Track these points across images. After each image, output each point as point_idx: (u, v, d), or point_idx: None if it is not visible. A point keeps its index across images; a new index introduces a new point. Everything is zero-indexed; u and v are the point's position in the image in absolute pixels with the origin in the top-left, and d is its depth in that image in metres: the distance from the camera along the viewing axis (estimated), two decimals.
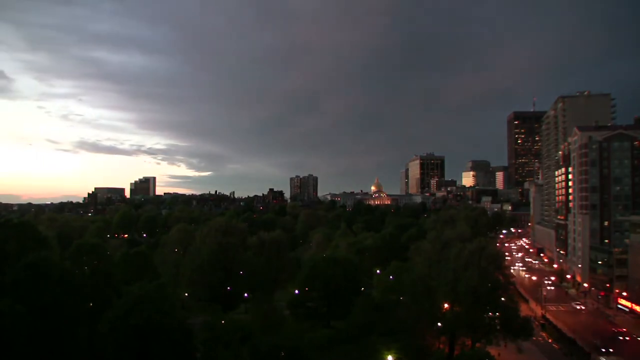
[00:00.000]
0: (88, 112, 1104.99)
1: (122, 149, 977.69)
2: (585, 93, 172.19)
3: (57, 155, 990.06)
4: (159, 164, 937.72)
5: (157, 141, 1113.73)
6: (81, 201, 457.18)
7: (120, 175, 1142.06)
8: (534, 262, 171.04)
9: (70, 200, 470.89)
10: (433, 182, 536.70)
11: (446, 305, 61.38)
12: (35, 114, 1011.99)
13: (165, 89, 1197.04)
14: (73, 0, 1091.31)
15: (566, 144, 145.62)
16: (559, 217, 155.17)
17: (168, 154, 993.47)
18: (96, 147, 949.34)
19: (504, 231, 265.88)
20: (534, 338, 67.77)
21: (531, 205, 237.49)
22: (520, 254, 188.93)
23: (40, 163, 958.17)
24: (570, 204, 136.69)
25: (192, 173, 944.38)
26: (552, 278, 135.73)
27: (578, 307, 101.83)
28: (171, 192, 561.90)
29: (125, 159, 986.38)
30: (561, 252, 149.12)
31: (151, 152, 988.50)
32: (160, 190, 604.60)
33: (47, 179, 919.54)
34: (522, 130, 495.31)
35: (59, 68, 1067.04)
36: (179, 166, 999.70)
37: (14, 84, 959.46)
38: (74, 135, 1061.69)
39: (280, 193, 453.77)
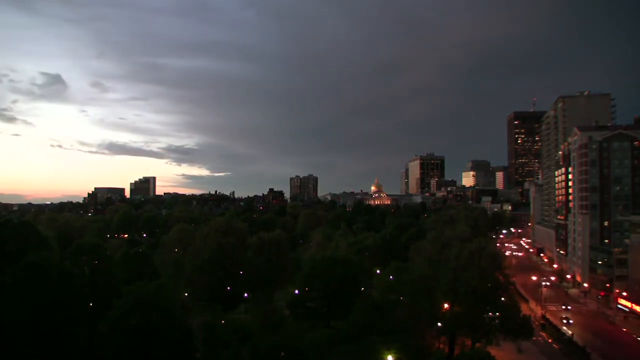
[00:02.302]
0: (130, 116, 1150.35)
1: (148, 151, 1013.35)
2: (585, 93, 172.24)
3: (73, 156, 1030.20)
4: (179, 165, 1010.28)
5: (187, 142, 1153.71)
6: (81, 201, 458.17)
7: (134, 176, 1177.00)
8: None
9: (70, 200, 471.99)
10: (433, 182, 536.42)
11: (446, 305, 61.37)
12: (76, 117, 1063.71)
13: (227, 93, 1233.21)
14: (143, 6, 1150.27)
15: (566, 144, 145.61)
16: (559, 217, 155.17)
17: (194, 155, 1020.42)
18: (123, 149, 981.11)
19: (504, 231, 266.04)
20: (534, 338, 67.77)
21: (531, 205, 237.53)
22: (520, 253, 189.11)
23: (52, 163, 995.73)
24: (570, 204, 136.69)
25: (205, 173, 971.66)
26: (552, 278, 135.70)
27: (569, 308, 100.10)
28: (179, 192, 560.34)
29: (143, 160, 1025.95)
30: (561, 252, 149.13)
31: (180, 152, 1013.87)
32: (170, 190, 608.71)
33: (54, 179, 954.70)
34: (522, 130, 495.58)
35: (119, 74, 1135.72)
36: (199, 167, 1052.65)
37: (67, 90, 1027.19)
38: (105, 137, 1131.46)
39: (280, 193, 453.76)
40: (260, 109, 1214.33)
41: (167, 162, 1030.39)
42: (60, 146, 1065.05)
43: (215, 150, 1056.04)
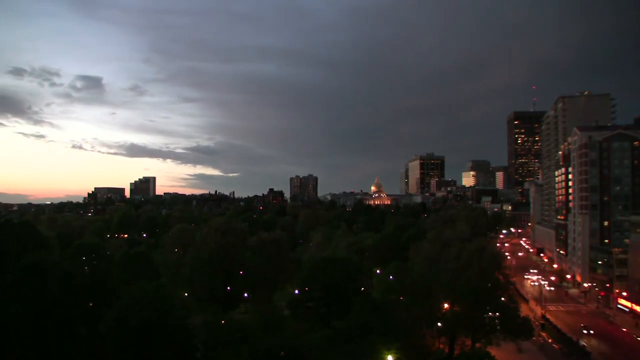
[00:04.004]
0: (159, 119, 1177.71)
1: (167, 152, 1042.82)
2: (585, 93, 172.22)
3: (89, 157, 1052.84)
4: (194, 166, 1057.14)
5: (208, 144, 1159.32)
6: (81, 201, 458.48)
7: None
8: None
9: (70, 200, 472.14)
10: (433, 182, 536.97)
11: (446, 305, 61.36)
12: (105, 119, 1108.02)
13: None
14: (188, 12, 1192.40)
15: (566, 144, 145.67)
16: (559, 217, 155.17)
17: (215, 156, 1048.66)
18: (143, 151, 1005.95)
19: (504, 231, 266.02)
20: (534, 338, 67.76)
21: (531, 205, 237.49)
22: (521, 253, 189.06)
23: (60, 164, 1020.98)
24: (570, 204, 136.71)
25: (216, 173, 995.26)
26: (552, 278, 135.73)
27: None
28: (185, 193, 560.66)
29: (158, 162, 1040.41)
30: (561, 252, 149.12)
31: (200, 151, 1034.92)
32: (180, 191, 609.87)
33: (59, 180, 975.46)
34: (522, 130, 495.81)
35: (160, 78, 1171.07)
36: (213, 168, 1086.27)
37: (105, 93, 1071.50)
38: (128, 139, 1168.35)
39: (280, 193, 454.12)
40: (277, 111, 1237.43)
41: (180, 163, 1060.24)
42: (80, 147, 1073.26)
43: (231, 151, 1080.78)
